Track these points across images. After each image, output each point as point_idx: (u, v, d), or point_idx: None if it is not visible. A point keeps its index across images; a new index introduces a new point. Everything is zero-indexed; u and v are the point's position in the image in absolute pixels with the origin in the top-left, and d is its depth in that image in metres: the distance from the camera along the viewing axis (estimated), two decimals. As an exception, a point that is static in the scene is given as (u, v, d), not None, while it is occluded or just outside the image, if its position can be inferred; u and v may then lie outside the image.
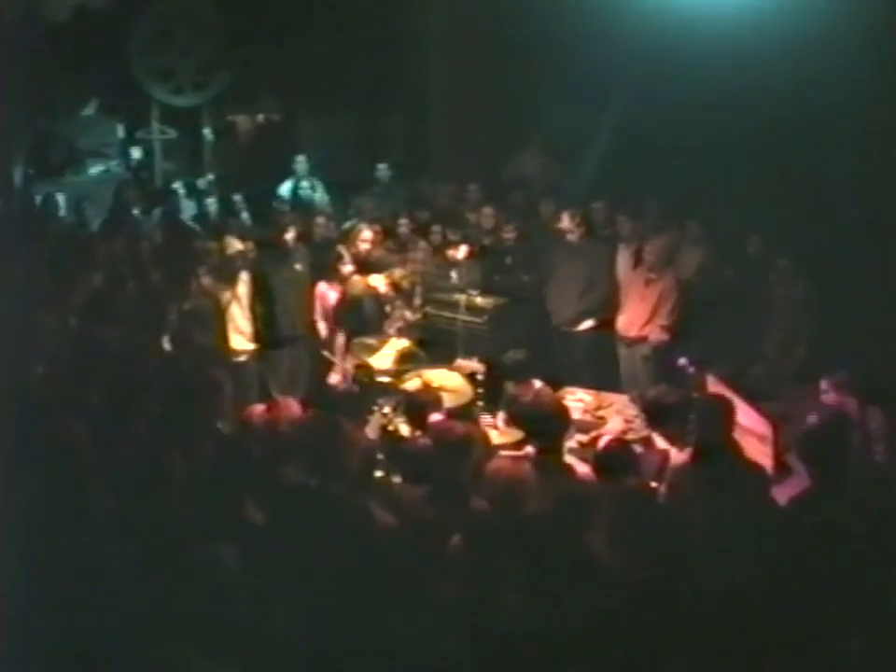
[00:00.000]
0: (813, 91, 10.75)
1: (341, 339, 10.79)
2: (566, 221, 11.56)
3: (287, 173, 14.60)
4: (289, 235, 11.48)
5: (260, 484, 6.66)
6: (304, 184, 14.32)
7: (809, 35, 10.57)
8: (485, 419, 9.28)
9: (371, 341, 10.44)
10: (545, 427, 7.36)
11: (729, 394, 8.10)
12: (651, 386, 9.37)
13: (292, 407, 7.82)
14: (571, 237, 11.55)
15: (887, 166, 10.72)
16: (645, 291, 11.00)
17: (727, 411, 7.27)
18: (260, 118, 17.80)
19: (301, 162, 14.46)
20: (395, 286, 11.03)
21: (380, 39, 15.57)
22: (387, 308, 10.95)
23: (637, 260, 11.21)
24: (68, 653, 5.50)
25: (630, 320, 11.08)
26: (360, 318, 10.86)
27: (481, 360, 9.97)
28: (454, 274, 11.70)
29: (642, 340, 11.00)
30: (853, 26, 10.53)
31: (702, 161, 11.83)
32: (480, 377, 9.57)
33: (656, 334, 10.91)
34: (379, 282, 10.95)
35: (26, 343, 9.31)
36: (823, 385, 8.33)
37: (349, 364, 10.49)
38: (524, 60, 14.05)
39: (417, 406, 8.13)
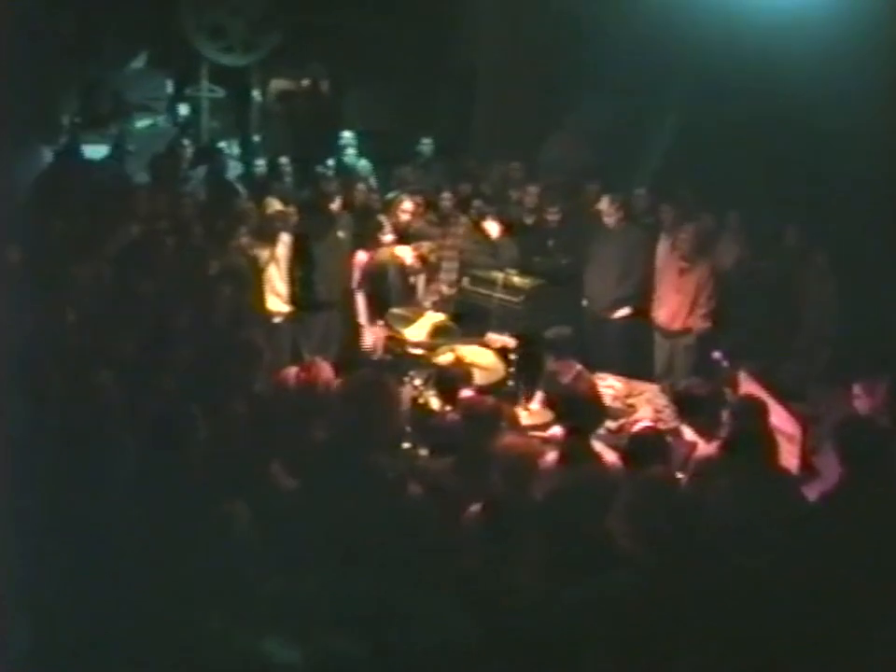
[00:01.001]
0: (856, 87, 10.66)
1: (364, 304, 10.86)
2: (605, 204, 11.53)
3: (333, 140, 14.63)
4: (335, 202, 11.50)
5: (290, 445, 6.68)
6: (350, 151, 14.33)
7: (852, 28, 10.51)
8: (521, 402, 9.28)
9: (407, 312, 10.46)
10: (581, 413, 7.36)
11: (759, 391, 8.10)
12: (688, 377, 9.40)
13: (325, 370, 7.80)
14: (609, 220, 11.51)
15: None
16: (679, 281, 10.96)
17: (761, 412, 7.27)
18: (308, 83, 17.77)
19: (347, 135, 14.49)
20: (422, 258, 11.04)
21: (431, 13, 15.53)
22: (412, 280, 10.99)
23: (673, 250, 11.17)
24: (88, 610, 5.52)
25: (672, 312, 11.03)
26: (384, 287, 10.89)
27: (512, 335, 9.97)
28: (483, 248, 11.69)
29: (686, 331, 10.96)
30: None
31: (740, 152, 11.77)
32: (513, 356, 9.56)
33: (698, 323, 10.88)
34: (406, 253, 10.96)
35: (65, 292, 9.38)
36: (856, 389, 8.26)
37: (378, 331, 10.52)
38: (572, 41, 14.00)
39: (447, 380, 8.14)
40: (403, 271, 11.00)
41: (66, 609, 5.53)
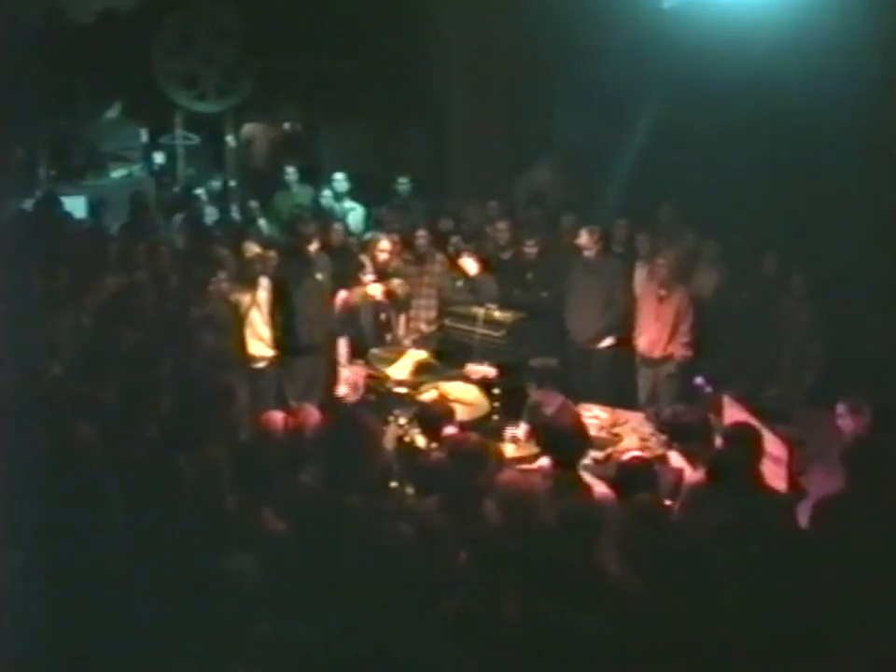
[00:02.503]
0: (834, 111, 10.71)
1: (344, 346, 10.84)
2: (584, 238, 11.52)
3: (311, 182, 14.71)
4: (312, 245, 11.48)
5: (276, 491, 6.66)
6: (326, 193, 14.36)
7: (832, 54, 10.55)
8: (508, 430, 9.24)
9: (388, 352, 10.47)
10: (567, 444, 7.36)
11: (744, 415, 8.11)
12: (672, 404, 9.39)
13: (312, 414, 7.79)
14: (589, 254, 11.52)
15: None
16: (659, 309, 10.94)
17: (755, 441, 7.27)
18: (287, 126, 17.86)
19: (335, 178, 14.56)
20: (389, 293, 11.05)
21: (401, 52, 15.61)
22: (382, 316, 11.00)
23: (651, 278, 11.19)
24: (73, 660, 5.49)
25: (652, 340, 11.01)
26: (358, 326, 10.90)
27: (493, 365, 10.00)
28: (461, 284, 11.70)
29: (667, 359, 10.93)
30: (886, 45, 10.50)
31: (717, 180, 11.81)
32: (497, 391, 9.56)
33: (680, 351, 10.87)
34: (376, 290, 10.97)
35: (43, 343, 9.36)
36: (839, 408, 8.26)
37: (358, 371, 10.51)
38: (542, 75, 14.07)
39: (430, 417, 8.12)
40: (375, 308, 11.02)
41: (53, 658, 5.49)
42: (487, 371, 9.98)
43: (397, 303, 11.19)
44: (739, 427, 7.84)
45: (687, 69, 11.89)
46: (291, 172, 14.64)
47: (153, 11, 15.58)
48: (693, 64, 11.76)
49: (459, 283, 11.69)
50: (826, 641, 5.44)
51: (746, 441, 7.24)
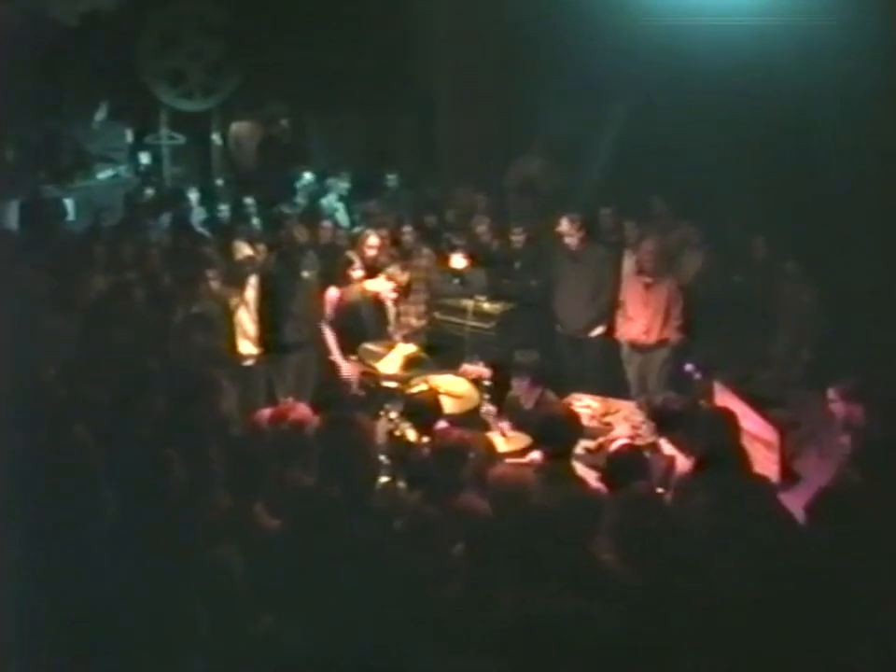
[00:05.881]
0: (819, 92, 10.72)
1: (333, 340, 10.82)
2: (564, 225, 11.51)
3: (296, 178, 14.68)
4: (298, 241, 11.46)
5: (268, 487, 6.66)
6: (315, 189, 14.37)
7: (814, 37, 10.56)
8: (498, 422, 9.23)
9: (378, 347, 10.44)
10: (557, 433, 7.36)
11: (734, 401, 8.11)
12: (663, 392, 9.39)
13: (303, 410, 7.79)
14: (570, 241, 11.49)
15: (893, 169, 10.69)
16: (647, 296, 10.89)
17: (730, 423, 7.27)
18: (272, 123, 17.83)
19: (310, 172, 14.53)
20: (399, 287, 11.02)
21: (386, 45, 15.59)
22: (392, 309, 10.98)
23: (637, 265, 11.18)
24: (72, 658, 5.50)
25: (645, 327, 10.93)
26: (356, 322, 10.86)
27: (487, 364, 9.97)
28: (455, 281, 11.68)
29: (662, 344, 10.88)
30: (858, 27, 10.52)
31: (707, 164, 11.82)
32: (487, 383, 9.55)
33: (675, 335, 10.82)
34: (381, 286, 10.92)
35: (34, 346, 9.34)
36: (830, 393, 8.26)
37: (353, 368, 10.49)
38: (529, 64, 14.06)
39: (417, 410, 8.11)
40: (379, 304, 10.97)
41: (51, 658, 5.51)
42: (482, 371, 9.97)
43: (402, 293, 11.14)
44: (715, 412, 7.89)
45: (675, 58, 11.88)
46: (308, 178, 14.60)
47: (138, 10, 15.54)
48: (682, 54, 11.76)
49: (448, 276, 11.69)
50: (822, 628, 5.44)
51: (723, 427, 7.28)
